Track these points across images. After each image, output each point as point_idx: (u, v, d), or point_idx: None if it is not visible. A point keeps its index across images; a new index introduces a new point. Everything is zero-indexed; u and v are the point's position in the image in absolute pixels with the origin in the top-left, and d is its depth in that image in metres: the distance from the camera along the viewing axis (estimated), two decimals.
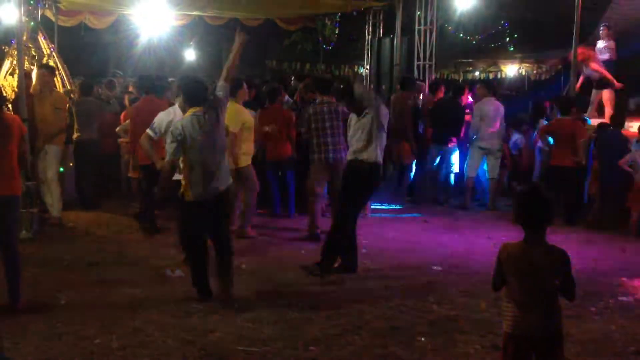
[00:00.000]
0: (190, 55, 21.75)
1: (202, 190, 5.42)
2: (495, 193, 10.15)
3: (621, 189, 8.62)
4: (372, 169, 6.27)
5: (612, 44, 11.59)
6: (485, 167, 10.16)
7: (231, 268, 5.66)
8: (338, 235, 6.32)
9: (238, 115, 7.52)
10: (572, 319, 4.97)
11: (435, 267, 6.78)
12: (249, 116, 7.89)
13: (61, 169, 8.79)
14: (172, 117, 6.52)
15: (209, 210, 5.50)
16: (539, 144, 10.18)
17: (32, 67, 9.43)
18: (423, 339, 4.78)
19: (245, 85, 7.95)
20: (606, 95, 11.24)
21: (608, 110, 11.03)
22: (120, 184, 10.58)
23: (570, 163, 8.95)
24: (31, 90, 8.40)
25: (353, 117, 6.47)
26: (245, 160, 7.77)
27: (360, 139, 6.25)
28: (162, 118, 6.65)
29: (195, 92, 5.54)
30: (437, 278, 6.42)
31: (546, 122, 10.34)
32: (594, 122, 10.36)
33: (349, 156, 6.41)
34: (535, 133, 10.39)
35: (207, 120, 5.42)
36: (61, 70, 10.36)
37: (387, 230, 8.58)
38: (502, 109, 10.05)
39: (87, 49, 17.91)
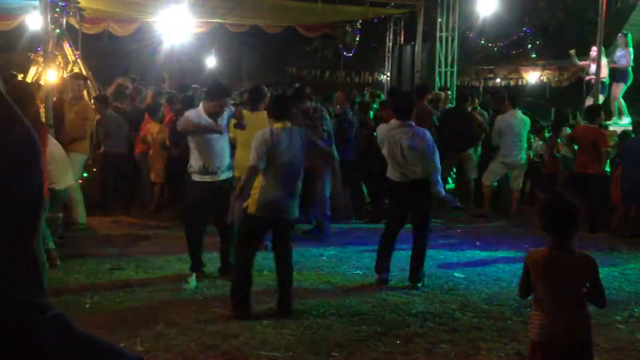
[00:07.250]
0: (211, 62, 21.92)
1: None
2: (516, 202, 10.06)
3: None
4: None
5: (628, 51, 11.53)
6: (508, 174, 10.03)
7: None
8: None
9: None
10: (597, 328, 4.89)
11: (457, 275, 6.75)
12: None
13: (85, 174, 8.88)
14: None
15: None
16: (562, 151, 10.08)
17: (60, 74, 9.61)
18: (446, 346, 4.77)
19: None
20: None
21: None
22: (143, 189, 10.63)
23: (594, 170, 8.87)
24: (64, 97, 8.55)
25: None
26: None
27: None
28: None
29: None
30: (459, 285, 6.38)
31: (568, 130, 10.22)
32: (618, 128, 10.27)
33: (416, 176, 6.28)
34: (559, 140, 10.28)
35: None
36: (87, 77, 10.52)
37: (408, 238, 8.50)
38: (526, 121, 9.88)
39: (111, 56, 18.13)
